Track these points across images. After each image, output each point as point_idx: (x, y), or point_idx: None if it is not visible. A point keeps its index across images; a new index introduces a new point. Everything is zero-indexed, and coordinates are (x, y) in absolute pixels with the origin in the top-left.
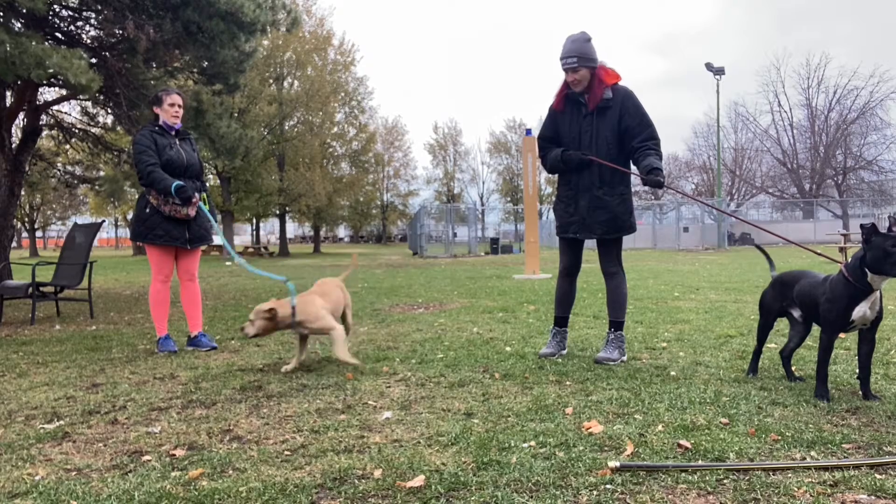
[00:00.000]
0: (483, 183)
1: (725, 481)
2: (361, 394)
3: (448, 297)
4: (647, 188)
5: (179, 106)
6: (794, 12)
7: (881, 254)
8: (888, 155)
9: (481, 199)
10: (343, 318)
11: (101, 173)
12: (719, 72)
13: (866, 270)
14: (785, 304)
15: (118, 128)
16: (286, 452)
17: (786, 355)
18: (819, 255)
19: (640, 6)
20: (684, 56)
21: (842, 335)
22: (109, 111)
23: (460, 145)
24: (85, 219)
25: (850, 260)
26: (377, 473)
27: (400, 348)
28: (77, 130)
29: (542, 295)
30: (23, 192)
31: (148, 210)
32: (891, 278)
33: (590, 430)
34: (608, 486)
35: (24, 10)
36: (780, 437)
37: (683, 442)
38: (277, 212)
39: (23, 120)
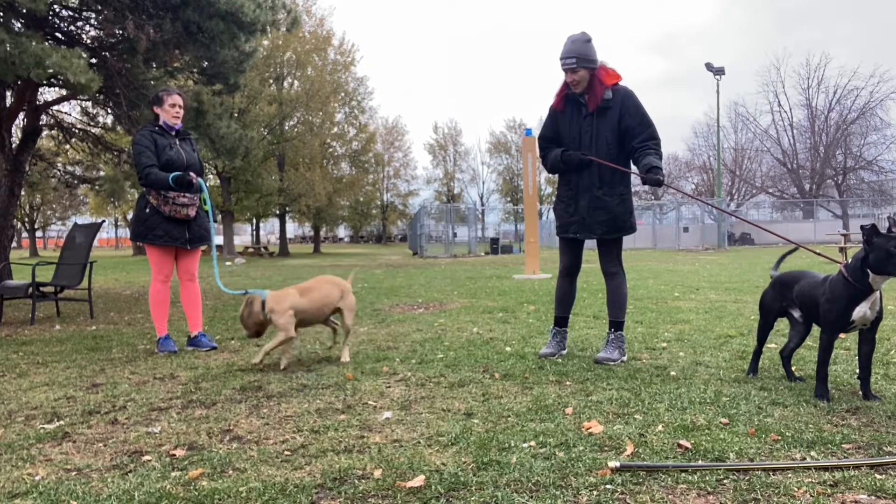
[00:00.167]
0: (483, 183)
1: (725, 481)
2: (361, 394)
3: (448, 298)
4: (647, 188)
5: (180, 106)
6: (794, 12)
7: (884, 255)
8: (888, 155)
9: (481, 199)
10: (340, 319)
11: (101, 173)
12: (719, 72)
13: (868, 271)
14: (785, 305)
15: (118, 128)
16: (286, 452)
17: (786, 355)
18: (818, 254)
19: (640, 6)
20: (684, 56)
21: (842, 335)
22: (109, 111)
23: (460, 145)
24: (85, 219)
25: (850, 261)
26: (377, 473)
27: (400, 348)
28: (77, 130)
29: (542, 295)
30: (23, 192)
31: (148, 210)
32: (891, 279)
33: (590, 430)
34: (608, 486)
35: (24, 11)
36: (780, 437)
37: (683, 442)
38: (277, 212)
39: (23, 120)
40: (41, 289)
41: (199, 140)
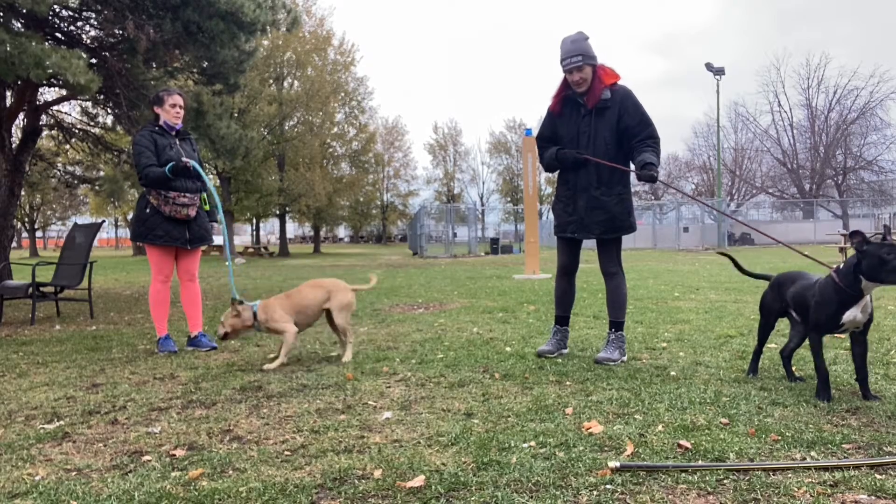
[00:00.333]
0: (483, 183)
1: (725, 481)
2: (361, 394)
3: (448, 298)
4: (647, 188)
5: (181, 106)
6: (794, 12)
7: (877, 262)
8: (888, 155)
9: (481, 199)
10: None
11: (101, 173)
12: (719, 72)
13: (860, 277)
14: (784, 305)
15: (118, 128)
16: (286, 452)
17: (786, 355)
18: (807, 256)
19: (640, 6)
20: (684, 56)
21: (840, 336)
22: (109, 111)
23: (460, 145)
24: (85, 219)
25: (842, 265)
26: (377, 473)
27: (400, 348)
28: (77, 130)
29: (542, 295)
30: (23, 192)
31: (148, 210)
32: (885, 286)
33: (590, 431)
34: (608, 486)
35: (25, 11)
36: (780, 437)
37: (683, 442)
38: (277, 212)
39: (23, 120)
40: (41, 289)
41: (199, 140)
